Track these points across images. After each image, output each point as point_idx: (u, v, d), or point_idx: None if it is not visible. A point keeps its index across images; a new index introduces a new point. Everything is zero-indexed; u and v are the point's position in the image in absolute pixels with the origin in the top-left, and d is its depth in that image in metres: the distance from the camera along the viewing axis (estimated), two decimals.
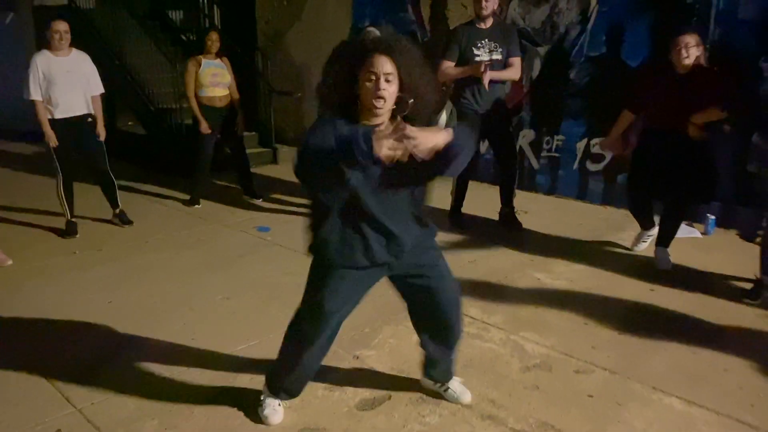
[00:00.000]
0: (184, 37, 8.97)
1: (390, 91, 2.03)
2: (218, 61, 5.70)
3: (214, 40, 5.64)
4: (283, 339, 2.47)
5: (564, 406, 2.65)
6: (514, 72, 4.87)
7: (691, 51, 3.88)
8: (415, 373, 2.79)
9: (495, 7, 4.78)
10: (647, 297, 3.78)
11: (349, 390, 2.74)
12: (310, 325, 2.33)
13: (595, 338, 3.24)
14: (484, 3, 4.68)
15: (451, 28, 6.51)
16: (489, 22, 4.78)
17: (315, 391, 2.73)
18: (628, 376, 2.87)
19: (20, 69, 9.31)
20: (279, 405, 2.55)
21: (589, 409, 2.64)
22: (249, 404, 2.63)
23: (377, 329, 3.29)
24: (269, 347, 3.10)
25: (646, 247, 4.51)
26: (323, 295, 2.25)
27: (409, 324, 2.59)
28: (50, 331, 3.37)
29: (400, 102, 2.07)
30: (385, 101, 2.03)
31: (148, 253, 4.58)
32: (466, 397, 2.66)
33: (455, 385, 2.67)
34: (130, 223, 5.21)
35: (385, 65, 2.02)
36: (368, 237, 2.16)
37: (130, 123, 8.58)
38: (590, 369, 2.95)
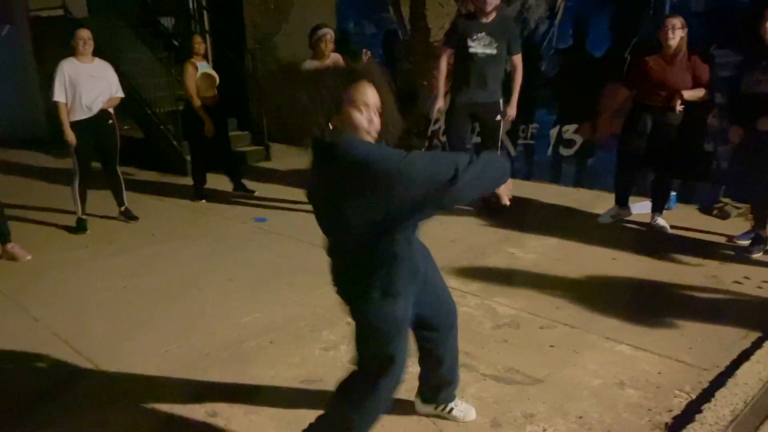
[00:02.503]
0: (176, 42, 9.34)
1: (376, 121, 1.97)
2: (205, 62, 6.13)
3: (199, 42, 6.11)
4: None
5: (528, 354, 3.07)
6: (520, 74, 5.22)
7: (677, 32, 4.38)
8: None
9: (497, 3, 4.98)
10: (609, 264, 4.21)
11: (343, 348, 3.14)
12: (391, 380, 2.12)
13: (559, 301, 3.66)
14: None
15: (429, 26, 6.94)
16: (491, 17, 5.00)
17: (312, 351, 3.14)
18: (586, 330, 3.29)
19: (18, 79, 9.75)
20: None
21: (549, 356, 3.06)
22: (256, 363, 3.03)
23: None
24: (271, 318, 3.53)
25: (609, 221, 4.94)
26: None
27: None
28: (75, 311, 3.75)
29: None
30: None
31: (156, 245, 4.96)
32: (471, 413, 2.59)
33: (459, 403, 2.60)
34: (135, 218, 5.59)
35: (372, 94, 1.94)
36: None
37: (126, 127, 8.93)
38: (553, 325, 3.36)
